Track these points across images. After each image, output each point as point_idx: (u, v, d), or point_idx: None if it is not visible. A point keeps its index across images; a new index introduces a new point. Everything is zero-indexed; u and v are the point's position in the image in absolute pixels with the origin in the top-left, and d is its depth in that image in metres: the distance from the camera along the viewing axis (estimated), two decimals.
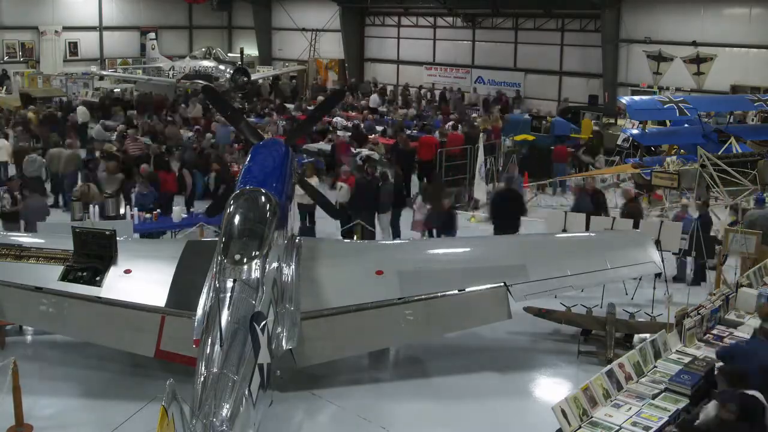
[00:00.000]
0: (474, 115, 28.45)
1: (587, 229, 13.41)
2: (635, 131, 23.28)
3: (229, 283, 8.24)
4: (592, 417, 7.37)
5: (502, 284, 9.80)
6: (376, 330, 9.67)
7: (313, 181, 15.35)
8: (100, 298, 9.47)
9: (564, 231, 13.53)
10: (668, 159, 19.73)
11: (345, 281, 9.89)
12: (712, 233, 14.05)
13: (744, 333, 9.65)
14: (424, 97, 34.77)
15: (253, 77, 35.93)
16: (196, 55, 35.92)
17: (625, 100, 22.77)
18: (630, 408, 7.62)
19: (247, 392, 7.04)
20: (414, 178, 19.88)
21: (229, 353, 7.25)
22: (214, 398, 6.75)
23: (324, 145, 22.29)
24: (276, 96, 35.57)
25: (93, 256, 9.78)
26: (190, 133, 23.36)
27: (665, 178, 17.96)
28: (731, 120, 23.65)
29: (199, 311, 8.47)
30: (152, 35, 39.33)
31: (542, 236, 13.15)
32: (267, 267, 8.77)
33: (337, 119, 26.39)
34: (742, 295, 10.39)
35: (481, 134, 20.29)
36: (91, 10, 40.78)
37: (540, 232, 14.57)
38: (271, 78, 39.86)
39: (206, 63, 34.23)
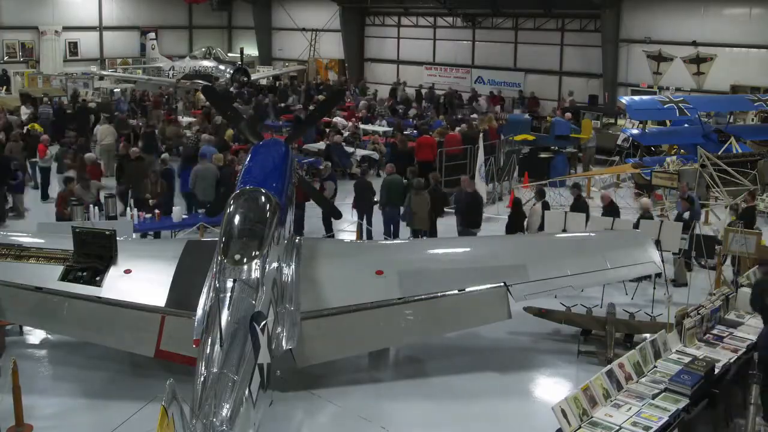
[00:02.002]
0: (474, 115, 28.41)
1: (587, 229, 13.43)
2: (635, 131, 23.29)
3: (229, 283, 8.24)
4: (592, 417, 7.38)
5: (502, 284, 9.81)
6: (376, 330, 9.67)
7: None
8: (100, 298, 9.47)
9: (564, 231, 13.53)
10: (668, 159, 19.74)
11: (345, 281, 9.89)
12: (712, 233, 14.05)
13: (744, 333, 9.67)
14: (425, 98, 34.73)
15: (253, 77, 35.93)
16: (196, 55, 35.90)
17: (625, 100, 22.79)
18: (630, 408, 7.63)
19: (247, 392, 7.03)
20: None
21: (229, 353, 7.24)
22: (214, 398, 6.74)
23: (323, 145, 22.31)
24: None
25: (93, 256, 9.78)
26: (190, 134, 23.35)
27: (665, 178, 17.97)
28: (731, 120, 23.69)
29: (199, 311, 8.46)
30: (152, 35, 39.32)
31: (542, 236, 13.16)
32: (267, 267, 8.77)
33: (338, 119, 26.38)
34: (742, 295, 10.40)
35: (480, 134, 20.27)
36: (91, 10, 40.78)
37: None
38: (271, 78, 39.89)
39: (206, 63, 34.21)
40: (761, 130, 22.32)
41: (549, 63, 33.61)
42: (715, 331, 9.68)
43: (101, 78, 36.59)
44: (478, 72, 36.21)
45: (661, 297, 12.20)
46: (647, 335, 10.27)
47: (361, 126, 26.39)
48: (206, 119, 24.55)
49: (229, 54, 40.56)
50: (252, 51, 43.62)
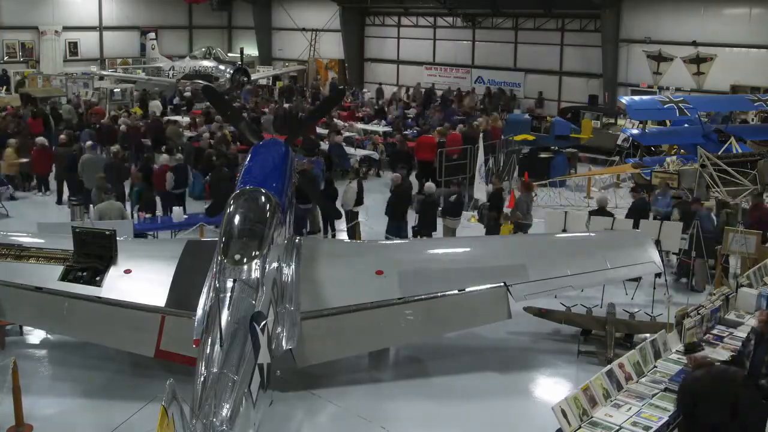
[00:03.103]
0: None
1: (587, 229, 13.44)
2: (635, 131, 23.29)
3: (229, 283, 8.24)
4: (592, 417, 7.38)
5: (502, 284, 9.80)
6: (376, 330, 9.67)
7: None
8: (100, 298, 9.47)
9: (564, 231, 13.54)
10: (668, 159, 19.75)
11: (345, 281, 9.89)
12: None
13: (744, 333, 9.65)
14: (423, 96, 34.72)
15: (253, 77, 35.93)
16: (196, 55, 35.89)
17: (625, 100, 22.78)
18: (630, 408, 7.63)
19: (247, 392, 7.04)
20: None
21: (229, 353, 7.25)
22: (214, 398, 6.74)
23: (323, 146, 22.29)
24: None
25: (93, 256, 9.78)
26: (190, 133, 23.38)
27: (665, 178, 17.95)
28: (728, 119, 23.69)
29: (199, 311, 8.46)
30: (152, 35, 39.31)
31: (542, 236, 13.16)
32: (267, 267, 8.77)
33: (338, 119, 26.39)
34: (742, 295, 10.40)
35: (480, 134, 20.28)
36: (91, 10, 40.78)
37: (540, 232, 14.58)
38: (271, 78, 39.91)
39: (206, 63, 34.20)
40: (761, 130, 22.33)
41: (549, 63, 33.61)
42: (715, 331, 9.68)
43: (101, 78, 36.57)
44: (478, 72, 36.20)
45: (661, 297, 12.20)
46: (647, 335, 10.27)
47: (360, 126, 26.38)
48: (206, 119, 24.56)
49: (229, 54, 40.56)
50: (252, 51, 43.60)
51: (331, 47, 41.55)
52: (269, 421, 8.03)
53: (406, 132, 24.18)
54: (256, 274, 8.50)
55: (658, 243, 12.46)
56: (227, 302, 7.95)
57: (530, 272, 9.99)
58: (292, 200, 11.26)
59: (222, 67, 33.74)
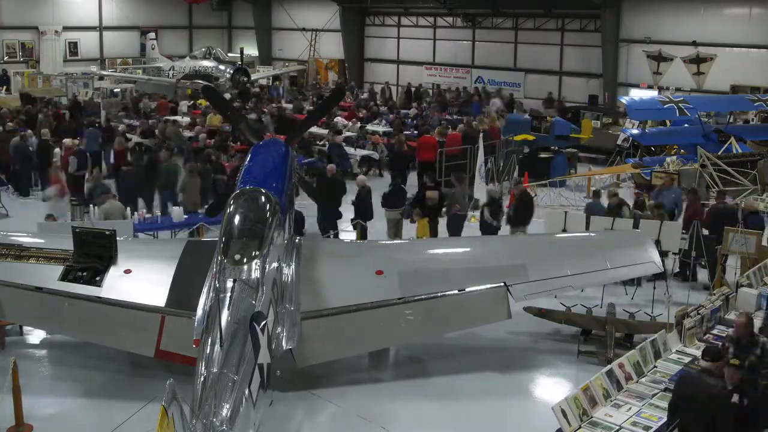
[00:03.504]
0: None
1: (587, 229, 13.43)
2: (635, 131, 23.30)
3: (229, 283, 8.25)
4: (592, 417, 7.39)
5: (502, 284, 9.80)
6: (376, 330, 9.67)
7: None
8: (100, 298, 9.47)
9: (564, 231, 13.53)
10: (668, 159, 19.75)
11: (345, 281, 9.89)
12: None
13: None
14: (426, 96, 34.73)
15: (253, 77, 35.93)
16: (196, 55, 35.91)
17: (625, 99, 22.78)
18: (630, 408, 7.64)
19: (247, 392, 7.04)
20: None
21: (229, 353, 7.25)
22: (214, 398, 6.75)
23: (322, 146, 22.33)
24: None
25: (93, 256, 9.78)
26: (190, 133, 23.38)
27: (665, 178, 17.95)
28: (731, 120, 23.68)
29: (199, 311, 8.47)
30: (152, 35, 39.34)
31: (542, 236, 13.16)
32: (267, 267, 8.77)
33: (338, 119, 26.36)
34: (742, 295, 10.40)
35: (480, 134, 20.27)
36: (91, 10, 40.80)
37: (540, 232, 14.58)
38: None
39: (206, 63, 34.22)
40: (761, 130, 22.34)
41: (549, 63, 33.62)
42: (715, 331, 9.69)
43: (101, 78, 36.60)
44: (478, 72, 36.21)
45: (661, 297, 12.19)
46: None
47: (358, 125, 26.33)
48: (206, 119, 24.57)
49: (229, 54, 40.58)
50: (252, 51, 43.61)
51: (331, 47, 41.56)
52: (269, 421, 8.02)
53: (407, 132, 24.16)
54: (256, 274, 8.51)
55: (658, 243, 12.45)
56: (227, 302, 7.96)
57: (530, 272, 9.99)
58: (293, 200, 11.26)
59: (222, 67, 33.75)
